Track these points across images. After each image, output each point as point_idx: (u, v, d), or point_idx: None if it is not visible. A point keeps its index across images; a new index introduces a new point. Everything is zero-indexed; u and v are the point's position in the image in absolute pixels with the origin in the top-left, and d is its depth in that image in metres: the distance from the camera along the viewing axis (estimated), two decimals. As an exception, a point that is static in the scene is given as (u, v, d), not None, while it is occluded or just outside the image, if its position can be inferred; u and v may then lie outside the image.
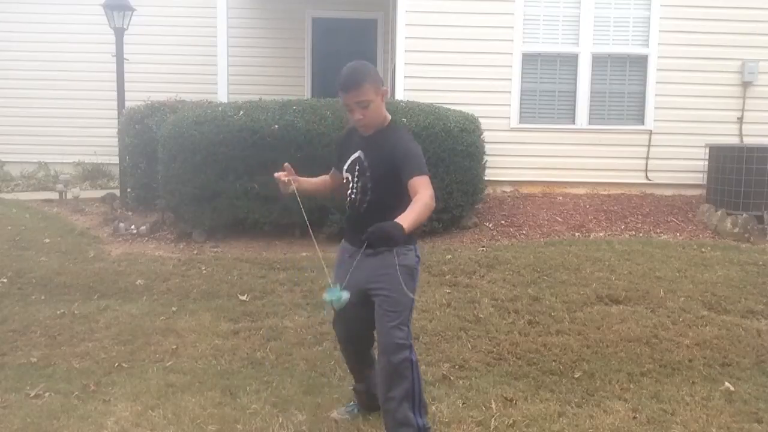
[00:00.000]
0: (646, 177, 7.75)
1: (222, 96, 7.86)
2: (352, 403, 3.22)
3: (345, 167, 2.87)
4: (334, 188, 3.11)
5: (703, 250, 5.87)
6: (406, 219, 2.44)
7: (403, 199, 2.58)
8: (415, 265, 2.82)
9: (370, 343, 3.07)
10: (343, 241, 3.01)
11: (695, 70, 7.64)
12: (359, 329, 2.98)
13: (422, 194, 2.55)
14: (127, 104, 7.89)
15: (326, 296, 2.57)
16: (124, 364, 3.79)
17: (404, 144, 2.72)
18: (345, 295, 2.55)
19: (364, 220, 2.66)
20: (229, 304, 4.76)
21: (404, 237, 2.42)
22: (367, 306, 2.80)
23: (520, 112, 7.71)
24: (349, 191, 2.85)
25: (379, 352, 2.78)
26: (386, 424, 2.82)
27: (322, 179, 3.16)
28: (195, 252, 6.03)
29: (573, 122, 7.75)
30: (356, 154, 2.82)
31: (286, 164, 2.93)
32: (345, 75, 2.68)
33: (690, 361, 3.78)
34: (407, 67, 7.56)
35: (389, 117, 2.83)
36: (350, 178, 2.84)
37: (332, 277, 2.91)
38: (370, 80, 2.68)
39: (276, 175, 2.93)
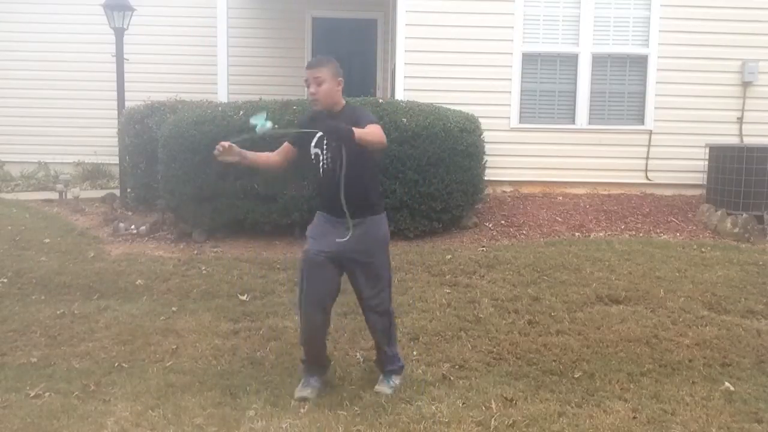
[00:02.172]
0: (646, 177, 7.75)
1: (222, 96, 7.86)
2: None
3: (312, 144, 3.25)
4: (283, 164, 3.45)
5: (703, 250, 5.87)
6: (358, 131, 2.94)
7: (374, 171, 3.36)
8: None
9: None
10: (320, 213, 3.35)
11: (695, 70, 7.64)
12: (332, 297, 3.32)
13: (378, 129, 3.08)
14: (127, 104, 7.89)
15: (253, 120, 3.05)
16: (124, 364, 3.79)
17: (365, 114, 3.22)
18: (269, 124, 3.07)
19: (340, 190, 3.12)
20: (229, 304, 4.76)
21: (351, 139, 2.91)
22: (341, 273, 3.29)
23: (520, 112, 7.71)
24: (321, 164, 3.24)
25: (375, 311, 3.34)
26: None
27: (266, 155, 3.43)
28: (195, 252, 6.03)
29: (573, 122, 7.75)
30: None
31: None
32: (311, 59, 3.32)
33: (690, 361, 3.78)
34: (407, 67, 7.56)
35: (343, 102, 3.29)
36: (319, 153, 3.23)
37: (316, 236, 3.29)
38: (328, 66, 3.22)
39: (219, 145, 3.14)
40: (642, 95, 7.73)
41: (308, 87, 3.20)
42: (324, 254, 3.21)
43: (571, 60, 7.69)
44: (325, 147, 3.21)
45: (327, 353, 3.53)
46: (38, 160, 10.17)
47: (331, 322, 3.45)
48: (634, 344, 4.00)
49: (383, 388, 3.39)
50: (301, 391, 3.35)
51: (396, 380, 3.45)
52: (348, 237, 3.16)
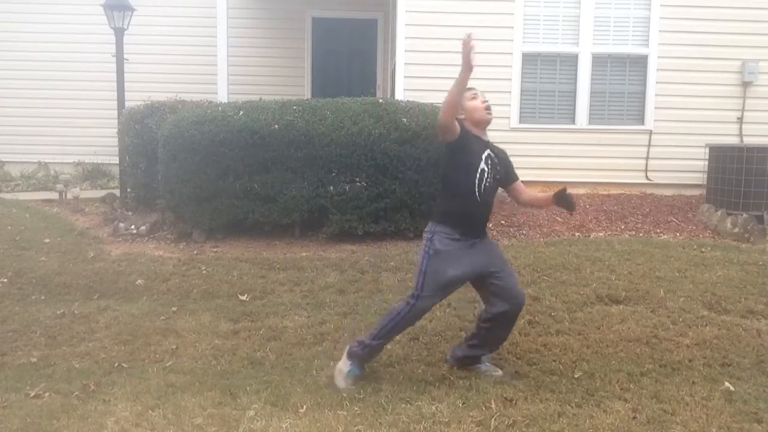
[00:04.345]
0: (646, 177, 7.75)
1: (222, 96, 7.86)
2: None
3: (483, 159, 3.44)
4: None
5: (703, 250, 5.87)
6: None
7: None
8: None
9: None
10: (451, 238, 3.37)
11: (695, 70, 7.64)
12: None
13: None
14: (127, 104, 7.89)
15: None
16: (124, 364, 3.79)
17: None
18: None
19: (488, 209, 3.48)
20: (229, 304, 4.76)
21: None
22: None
23: (520, 112, 7.71)
24: (485, 181, 3.42)
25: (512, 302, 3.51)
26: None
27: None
28: (195, 252, 6.03)
29: (573, 122, 7.75)
30: (487, 152, 3.51)
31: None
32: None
33: (690, 361, 3.78)
34: (407, 67, 7.56)
35: None
36: (486, 170, 3.43)
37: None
38: None
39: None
40: (642, 95, 7.74)
41: (476, 98, 3.67)
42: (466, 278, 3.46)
43: (571, 60, 7.69)
44: (490, 166, 3.45)
45: None
46: (38, 160, 10.18)
47: None
48: (634, 344, 4.00)
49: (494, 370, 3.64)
50: (351, 385, 3.45)
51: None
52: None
